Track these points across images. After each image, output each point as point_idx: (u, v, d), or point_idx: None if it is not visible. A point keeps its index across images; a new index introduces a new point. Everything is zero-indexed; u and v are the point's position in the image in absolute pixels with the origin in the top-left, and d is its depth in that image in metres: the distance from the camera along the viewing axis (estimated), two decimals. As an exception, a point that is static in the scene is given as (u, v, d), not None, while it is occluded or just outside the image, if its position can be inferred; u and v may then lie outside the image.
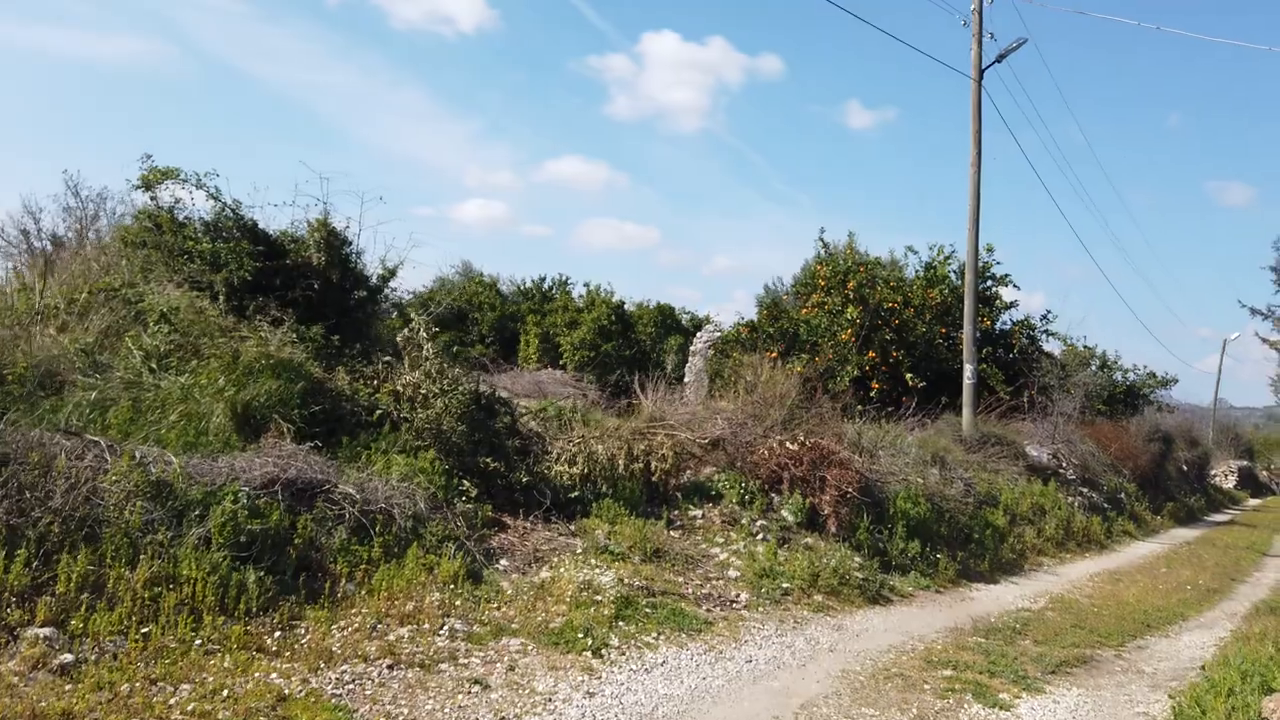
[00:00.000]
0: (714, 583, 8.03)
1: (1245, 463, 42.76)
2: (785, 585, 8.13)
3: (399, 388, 9.29)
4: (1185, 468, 28.26)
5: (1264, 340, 45.27)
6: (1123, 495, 18.91)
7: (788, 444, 10.42)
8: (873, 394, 20.24)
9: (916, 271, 23.67)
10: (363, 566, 6.38)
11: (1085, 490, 17.24)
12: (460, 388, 9.09)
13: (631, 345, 29.95)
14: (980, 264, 19.88)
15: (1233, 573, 12.99)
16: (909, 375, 20.31)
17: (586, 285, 35.38)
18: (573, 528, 8.67)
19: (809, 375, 20.87)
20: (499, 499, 8.88)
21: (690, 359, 26.15)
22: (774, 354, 21.11)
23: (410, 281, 51.18)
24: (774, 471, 10.19)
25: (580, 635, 5.99)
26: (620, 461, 9.45)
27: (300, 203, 11.17)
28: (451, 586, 6.44)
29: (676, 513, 9.58)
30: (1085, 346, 28.86)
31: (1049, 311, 24.51)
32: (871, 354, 20.47)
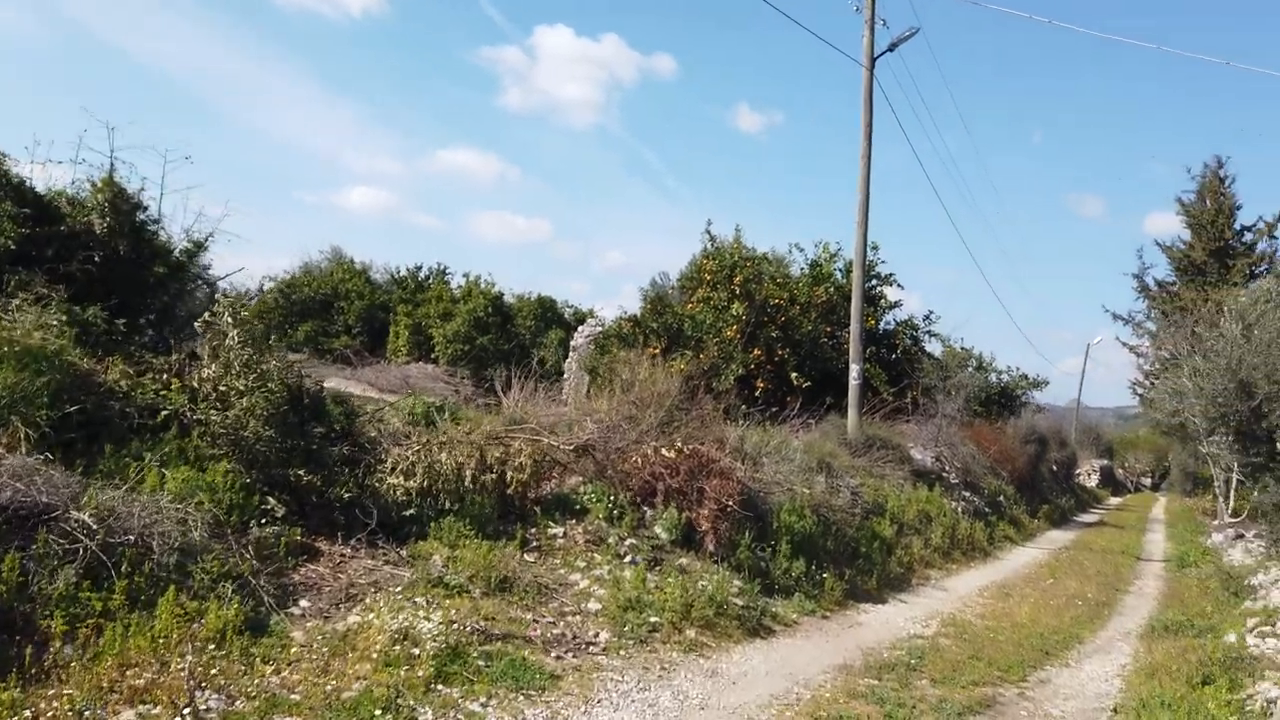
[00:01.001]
0: (570, 619, 6.77)
1: (1106, 461, 44.75)
2: (654, 619, 6.95)
3: (196, 384, 7.62)
4: (1055, 468, 28.90)
5: (1124, 344, 47.54)
6: (1002, 498, 18.76)
7: (664, 451, 9.27)
8: (758, 394, 19.49)
9: (802, 269, 23.12)
10: (91, 621, 4.81)
11: (968, 494, 16.89)
12: (271, 384, 7.50)
13: (510, 339, 28.41)
14: (866, 261, 19.39)
15: (1115, 581, 12.68)
16: (794, 375, 19.64)
17: (466, 275, 33.60)
18: (405, 553, 7.24)
19: (692, 373, 20.05)
20: (315, 519, 7.36)
21: (570, 355, 24.86)
22: (656, 350, 20.08)
23: (272, 266, 47.87)
24: (647, 482, 9.02)
25: (379, 712, 4.60)
26: (468, 472, 8.07)
27: (96, 161, 9.20)
28: (216, 644, 4.94)
29: (534, 531, 8.28)
30: (963, 348, 29.21)
31: (931, 312, 24.47)
32: (757, 352, 19.69)
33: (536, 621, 6.54)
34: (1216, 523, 23.13)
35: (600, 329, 22.45)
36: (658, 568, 8.14)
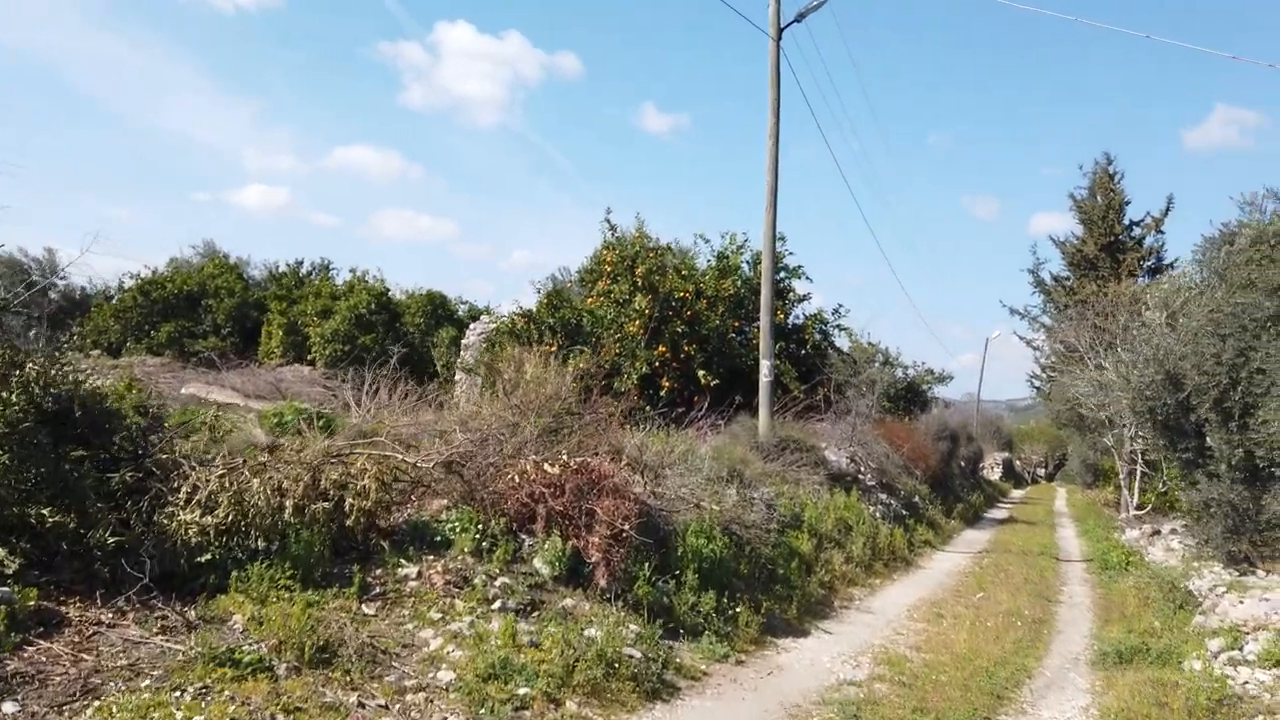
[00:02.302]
0: (410, 698, 5.13)
1: (1007, 454, 45.32)
2: (523, 690, 5.38)
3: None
4: (963, 464, 28.58)
5: (1021, 338, 48.33)
6: (918, 499, 17.90)
7: (546, 466, 7.69)
8: (663, 393, 18.11)
9: (708, 261, 21.88)
10: None
11: (884, 497, 15.90)
12: (7, 393, 5.60)
13: (398, 338, 26.30)
14: (775, 250, 18.23)
15: (1044, 590, 11.76)
16: (702, 373, 18.33)
17: (353, 271, 31.24)
18: (194, 614, 5.47)
19: (592, 372, 18.52)
20: (68, 574, 5.54)
21: (462, 355, 23.00)
22: (553, 348, 18.51)
23: (128, 264, 44.09)
24: (525, 505, 7.43)
25: None
26: (290, 501, 6.32)
27: None
28: None
29: (379, 573, 6.60)
30: (869, 343, 28.63)
31: (840, 305, 23.65)
32: (662, 349, 18.31)
33: (362, 706, 4.88)
34: (1124, 516, 22.99)
35: (494, 326, 20.70)
36: (536, 613, 6.57)
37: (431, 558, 6.89)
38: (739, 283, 20.84)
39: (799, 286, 22.50)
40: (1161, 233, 44.02)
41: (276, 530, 6.23)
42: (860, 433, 17.08)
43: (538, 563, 7.10)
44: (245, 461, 6.63)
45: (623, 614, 6.86)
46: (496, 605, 6.42)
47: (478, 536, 7.05)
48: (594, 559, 7.12)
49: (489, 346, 19.76)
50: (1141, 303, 29.66)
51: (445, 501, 7.65)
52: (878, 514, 14.46)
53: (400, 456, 7.49)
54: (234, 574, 5.80)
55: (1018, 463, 55.25)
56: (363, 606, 6.09)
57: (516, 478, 7.58)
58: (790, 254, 21.83)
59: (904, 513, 15.94)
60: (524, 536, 7.39)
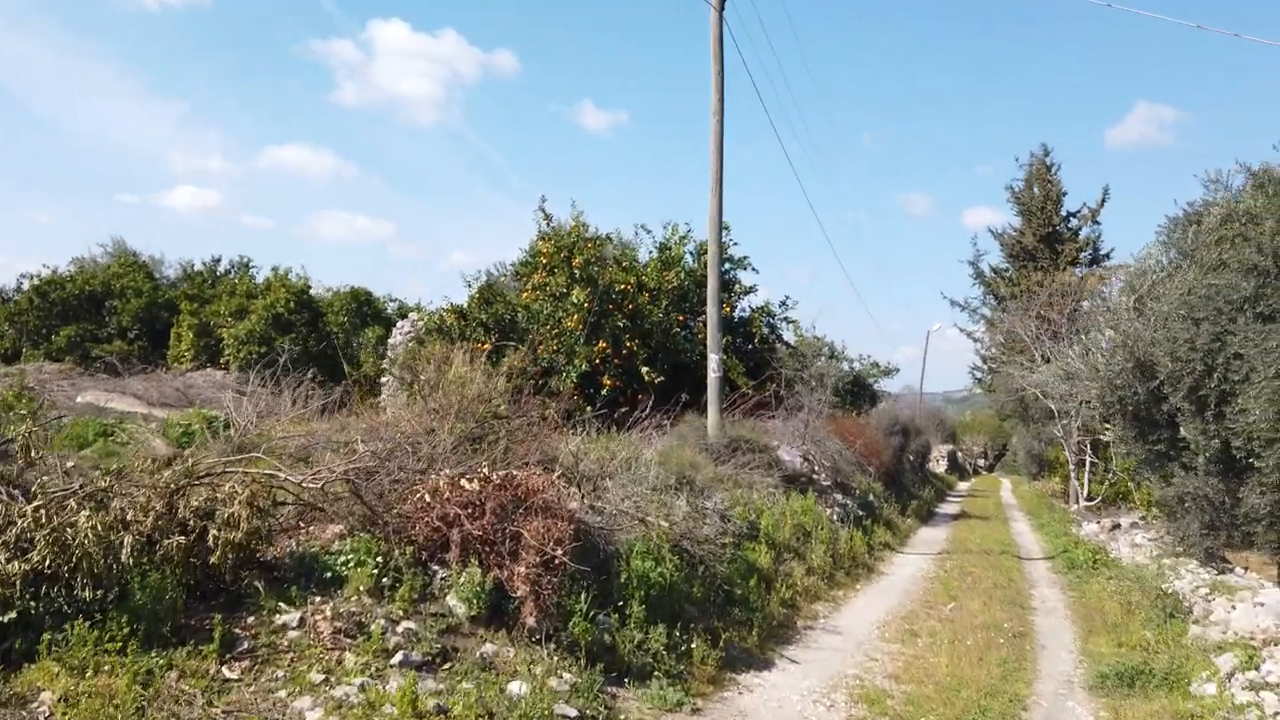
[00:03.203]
0: (270, 801, 3.91)
1: (951, 446, 45.29)
2: (424, 777, 4.20)
3: None
4: (912, 458, 28.07)
5: (962, 330, 48.47)
6: (873, 498, 17.10)
7: (464, 481, 6.49)
8: (604, 392, 16.98)
9: (651, 252, 20.80)
10: None
11: (840, 497, 15.02)
12: None
13: (321, 339, 24.66)
14: (721, 236, 17.24)
15: (1015, 596, 10.96)
16: (645, 369, 17.23)
17: (275, 269, 29.38)
18: (-13, 694, 4.17)
19: (528, 371, 17.31)
20: None
21: (389, 355, 21.52)
22: (485, 345, 17.24)
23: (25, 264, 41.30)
24: (437, 529, 6.22)
25: None
26: (127, 538, 5.02)
27: None
28: None
29: (252, 621, 5.34)
30: (815, 337, 27.93)
31: (788, 297, 22.68)
32: (602, 344, 17.14)
33: (200, 820, 3.65)
34: (1076, 508, 22.61)
35: (422, 324, 19.31)
36: (448, 665, 5.38)
37: (319, 599, 5.65)
38: (683, 274, 19.81)
39: (745, 278, 21.56)
40: (1098, 224, 44.44)
41: (113, 575, 4.93)
42: (813, 430, 16.19)
43: (452, 600, 5.91)
44: (79, 489, 5.30)
45: (555, 659, 5.71)
46: (398, 659, 5.21)
47: (377, 571, 5.83)
48: (520, 593, 5.95)
49: (417, 346, 18.38)
50: (1095, 291, 29.52)
51: (342, 528, 6.39)
52: (835, 516, 13.56)
53: (284, 475, 6.21)
54: (47, 636, 4.50)
55: (960, 454, 55.50)
56: (224, 669, 4.82)
57: (428, 497, 6.36)
58: (735, 244, 20.91)
59: (861, 513, 15.09)
60: (436, 568, 6.18)
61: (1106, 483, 22.84)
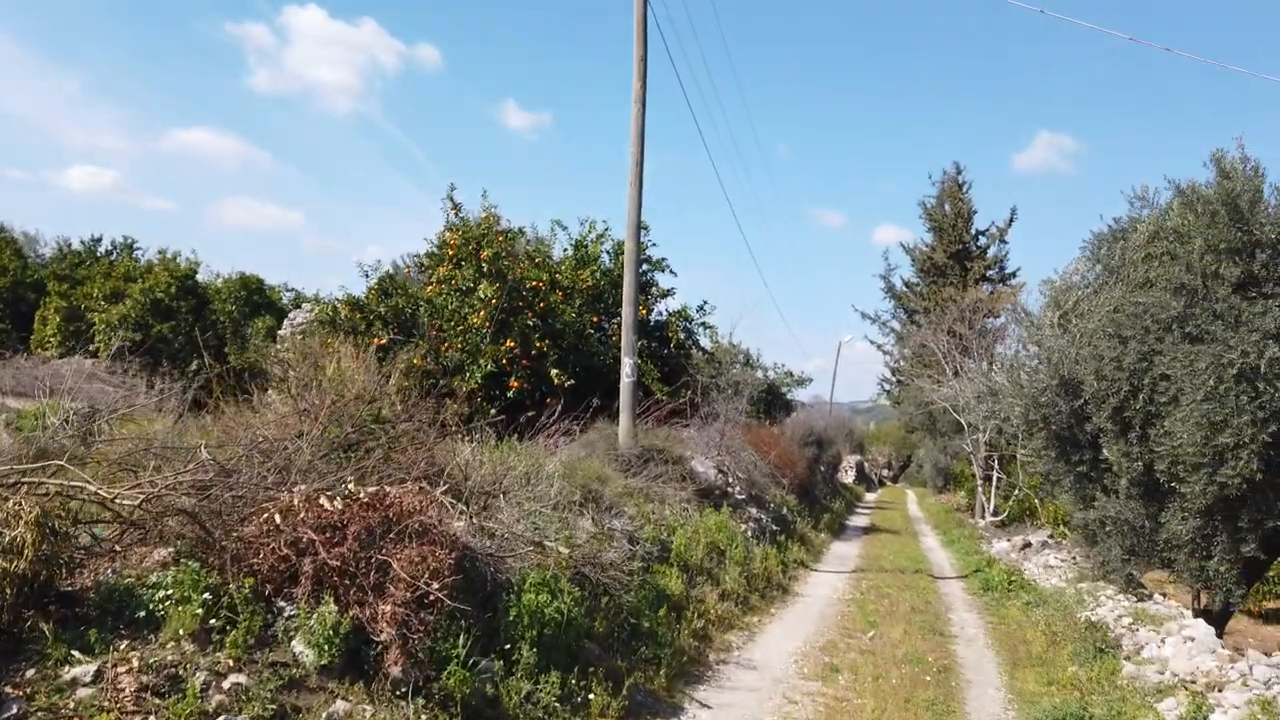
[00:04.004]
0: None
1: (859, 457, 45.66)
2: None
3: None
4: (824, 469, 27.85)
5: (872, 343, 49.08)
6: (787, 511, 16.54)
7: (324, 499, 5.43)
8: (510, 394, 15.95)
9: (566, 250, 19.83)
10: None
11: (754, 511, 14.38)
12: None
13: (207, 328, 22.80)
14: (640, 231, 16.41)
15: (934, 622, 10.44)
16: (555, 371, 16.24)
17: (162, 252, 27.22)
18: None
19: (430, 370, 16.16)
20: None
21: (276, 349, 19.94)
22: (382, 340, 16.00)
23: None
24: (285, 558, 5.14)
25: None
26: None
27: None
28: None
29: (32, 675, 4.19)
30: (731, 343, 27.46)
31: (705, 301, 22.01)
32: (510, 343, 16.09)
33: None
34: (983, 524, 22.66)
35: (315, 315, 17.86)
36: (285, 731, 4.34)
37: (126, 645, 4.52)
38: (599, 274, 18.91)
39: (663, 280, 20.81)
40: (1005, 243, 45.60)
41: None
42: (728, 439, 15.53)
43: (299, 646, 4.85)
44: None
45: (425, 718, 4.72)
46: (217, 725, 4.14)
47: (204, 609, 4.72)
48: (385, 636, 4.93)
49: (305, 339, 16.96)
50: (1007, 308, 29.85)
51: (170, 552, 5.24)
52: (749, 532, 12.88)
53: (93, 488, 5.03)
54: None
55: (866, 465, 56.24)
56: (-27, 747, 3.68)
57: (277, 517, 5.28)
58: (653, 245, 20.09)
59: (775, 528, 14.46)
60: (283, 605, 5.10)
61: (1013, 499, 22.98)
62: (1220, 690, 6.35)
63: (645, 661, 6.74)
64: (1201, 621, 8.63)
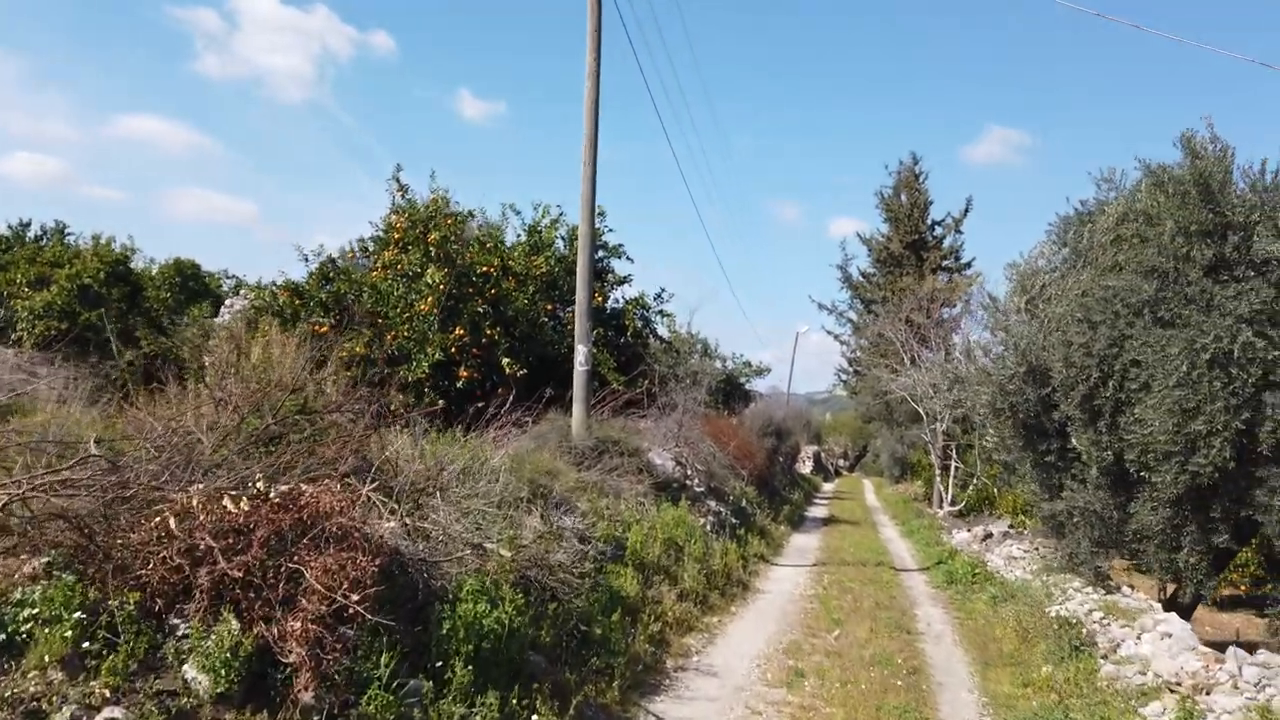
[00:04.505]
0: None
1: (816, 447, 45.60)
2: None
3: None
4: (783, 459, 27.55)
5: (830, 333, 49.10)
6: (746, 503, 16.11)
7: (227, 500, 4.77)
8: (459, 384, 15.25)
9: (519, 235, 19.11)
10: None
11: (714, 504, 13.90)
12: None
13: (140, 315, 21.67)
14: (595, 215, 15.76)
15: (899, 619, 10.04)
16: (506, 360, 15.57)
17: (96, 237, 25.90)
18: None
19: (374, 358, 15.42)
20: None
21: (214, 337, 18.96)
22: (324, 328, 15.20)
23: None
24: (178, 569, 4.47)
25: None
26: None
27: None
28: None
29: None
30: (690, 333, 27.02)
31: (664, 289, 21.48)
32: (459, 331, 15.38)
33: None
34: (941, 514, 22.51)
35: (249, 302, 16.96)
36: (168, 774, 3.69)
37: (-20, 676, 3.83)
38: (553, 260, 18.22)
39: (619, 267, 20.21)
40: (960, 233, 45.79)
41: None
42: (687, 430, 15.02)
43: (191, 670, 4.19)
44: None
45: (339, 752, 4.11)
46: (80, 774, 3.48)
47: (78, 630, 4.05)
48: (295, 657, 4.29)
49: (246, 327, 16.05)
50: (964, 296, 29.73)
51: (44, 562, 4.54)
52: (708, 526, 12.39)
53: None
54: None
55: (823, 455, 56.32)
56: None
57: (172, 521, 4.60)
58: (610, 230, 19.48)
59: (734, 521, 14.00)
60: (177, 623, 4.44)
61: (971, 487, 22.86)
62: (1208, 693, 5.99)
63: (596, 673, 6.17)
64: (1175, 616, 8.33)
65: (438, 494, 6.21)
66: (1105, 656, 7.43)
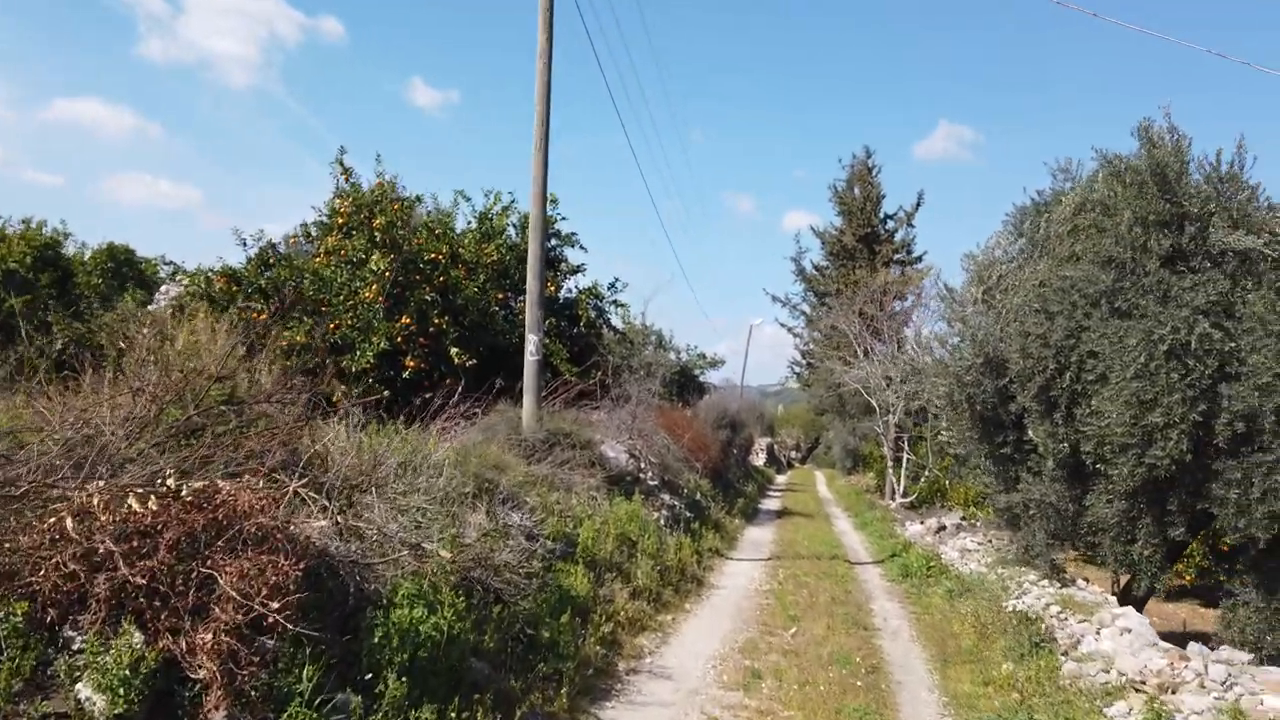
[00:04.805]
0: None
1: (769, 439, 45.68)
2: None
3: None
4: (737, 452, 27.42)
5: (783, 325, 49.25)
6: (700, 497, 15.87)
7: (132, 500, 4.31)
8: (406, 374, 14.75)
9: (470, 222, 18.58)
10: None
11: (668, 498, 13.62)
12: None
13: (70, 303, 20.68)
14: (546, 201, 15.30)
15: (856, 614, 9.87)
16: (455, 350, 15.10)
17: (25, 221, 24.65)
18: None
19: (315, 347, 14.83)
20: None
21: (135, 323, 18.11)
22: (262, 315, 14.58)
23: None
24: (72, 576, 4.01)
25: None
26: None
27: None
28: None
29: None
30: (644, 324, 26.75)
31: (617, 279, 21.11)
32: (406, 319, 14.86)
33: None
34: (894, 506, 22.55)
35: (183, 288, 16.19)
36: (52, 811, 3.26)
37: None
38: (504, 249, 17.74)
39: (573, 256, 19.81)
40: (913, 227, 46.26)
41: None
42: (640, 422, 14.70)
43: (86, 689, 3.74)
44: None
45: (254, 778, 3.70)
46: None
47: (-48, 648, 3.58)
48: (205, 673, 3.87)
49: (177, 314, 15.30)
50: (918, 292, 29.85)
51: (-80, 570, 4.04)
52: (662, 521, 12.10)
53: None
54: None
55: (776, 447, 56.54)
56: None
57: (69, 522, 4.13)
58: (563, 219, 19.05)
59: (689, 515, 13.74)
60: (72, 634, 3.98)
61: (923, 479, 22.94)
62: (1174, 692, 5.86)
63: (544, 679, 5.82)
64: (1133, 611, 8.24)
65: (373, 490, 5.79)
66: (1066, 653, 7.30)
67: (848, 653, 7.94)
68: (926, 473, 22.76)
